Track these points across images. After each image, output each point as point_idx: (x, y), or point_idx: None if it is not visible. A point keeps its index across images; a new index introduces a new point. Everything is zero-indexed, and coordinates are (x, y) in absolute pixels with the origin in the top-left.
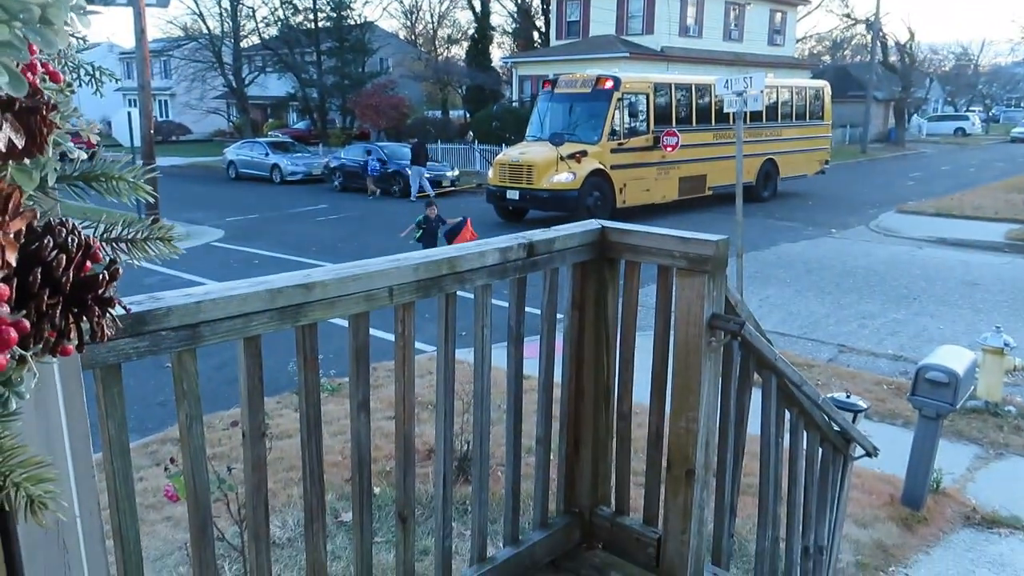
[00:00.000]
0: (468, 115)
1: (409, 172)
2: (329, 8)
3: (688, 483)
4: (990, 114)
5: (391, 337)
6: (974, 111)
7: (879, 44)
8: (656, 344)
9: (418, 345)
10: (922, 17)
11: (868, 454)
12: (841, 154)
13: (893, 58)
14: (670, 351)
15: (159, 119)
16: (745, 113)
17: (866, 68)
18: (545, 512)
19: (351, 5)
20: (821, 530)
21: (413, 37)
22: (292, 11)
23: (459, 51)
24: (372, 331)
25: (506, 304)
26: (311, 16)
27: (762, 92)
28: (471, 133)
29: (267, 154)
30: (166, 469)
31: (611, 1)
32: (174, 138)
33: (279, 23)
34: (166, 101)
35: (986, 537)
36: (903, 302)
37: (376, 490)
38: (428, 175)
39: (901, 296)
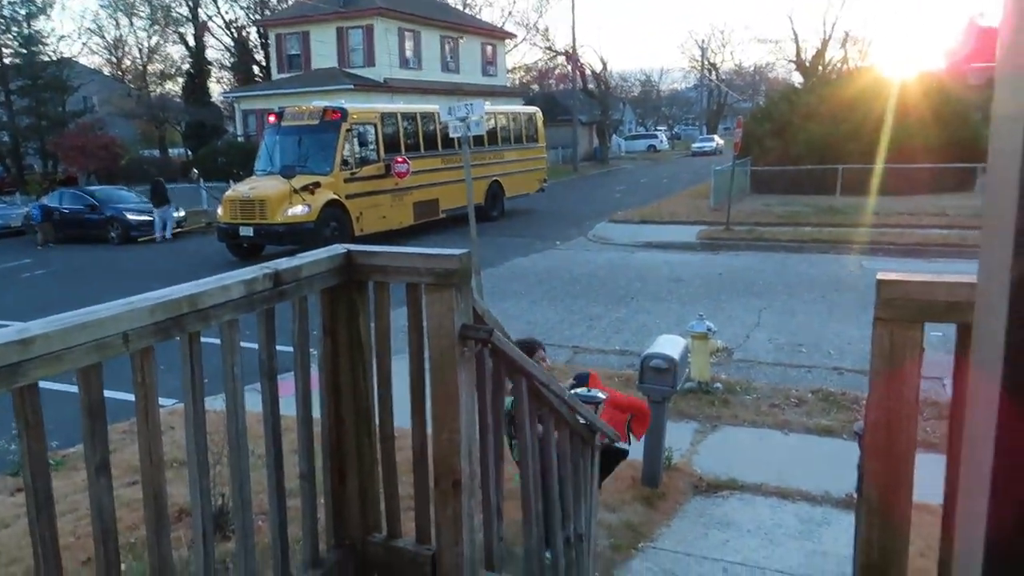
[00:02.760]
0: (190, 153)
1: (155, 215)
2: (17, 44)
3: (456, 494)
4: (674, 132)
5: (117, 396)
6: (661, 130)
7: (578, 73)
8: (412, 361)
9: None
10: (611, 48)
11: (611, 441)
12: (556, 173)
13: (591, 85)
14: (426, 366)
15: None
16: (469, 138)
17: (570, 95)
18: (316, 551)
19: (43, 40)
20: (579, 519)
21: (120, 73)
22: None
23: (174, 87)
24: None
25: (256, 346)
26: None
27: (482, 118)
28: (195, 171)
29: None
30: None
31: (331, 35)
32: None
33: None
34: None
35: (713, 501)
36: (623, 302)
37: (122, 566)
38: (150, 218)
39: (621, 297)
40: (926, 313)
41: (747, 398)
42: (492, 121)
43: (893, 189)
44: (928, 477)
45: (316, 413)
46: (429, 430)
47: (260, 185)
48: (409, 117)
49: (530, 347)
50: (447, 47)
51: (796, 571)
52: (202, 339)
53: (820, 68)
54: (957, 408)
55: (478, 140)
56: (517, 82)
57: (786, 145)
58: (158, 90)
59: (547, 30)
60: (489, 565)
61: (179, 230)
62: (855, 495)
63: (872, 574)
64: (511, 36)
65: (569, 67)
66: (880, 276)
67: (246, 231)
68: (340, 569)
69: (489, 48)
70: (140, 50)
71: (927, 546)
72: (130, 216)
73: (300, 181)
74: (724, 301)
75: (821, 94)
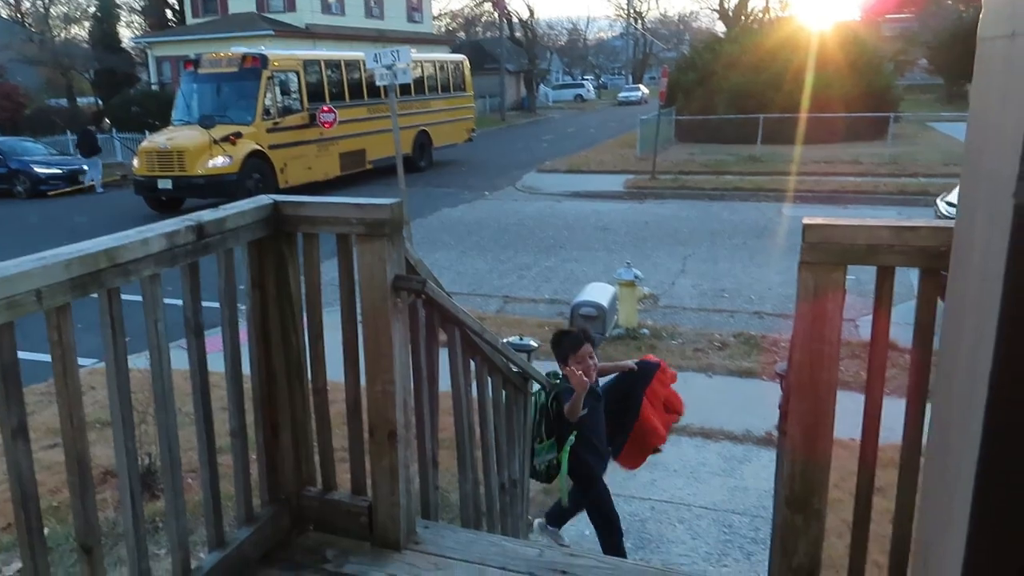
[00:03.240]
0: (101, 102)
1: (86, 167)
2: None
3: (391, 445)
4: (600, 82)
5: (34, 356)
6: (588, 79)
7: (505, 21)
8: (344, 313)
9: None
10: None
11: (544, 388)
12: (484, 123)
13: (518, 33)
14: (358, 318)
15: None
16: (396, 87)
17: (497, 43)
18: (250, 507)
19: None
20: (513, 465)
21: (20, 16)
22: None
23: (80, 31)
24: None
25: (181, 302)
26: None
27: (409, 65)
28: (107, 121)
29: None
30: None
31: None
32: None
33: None
34: None
35: None
36: (552, 251)
37: (44, 530)
38: (60, 171)
39: (549, 246)
40: (848, 256)
41: (673, 343)
42: (419, 69)
43: (811, 138)
44: (839, 414)
45: (246, 369)
46: (363, 382)
47: (178, 136)
48: (333, 65)
49: (578, 340)
50: None
51: (720, 506)
52: (123, 296)
53: (743, 17)
54: (876, 347)
55: (404, 89)
56: (443, 29)
57: (709, 94)
58: (63, 35)
59: None
60: (425, 513)
61: (91, 183)
62: (775, 433)
63: (795, 505)
64: None
65: (496, 14)
66: (806, 221)
67: (164, 184)
68: (275, 523)
69: None
70: None
71: (840, 478)
72: (37, 169)
73: (220, 131)
74: (650, 249)
75: (743, 44)
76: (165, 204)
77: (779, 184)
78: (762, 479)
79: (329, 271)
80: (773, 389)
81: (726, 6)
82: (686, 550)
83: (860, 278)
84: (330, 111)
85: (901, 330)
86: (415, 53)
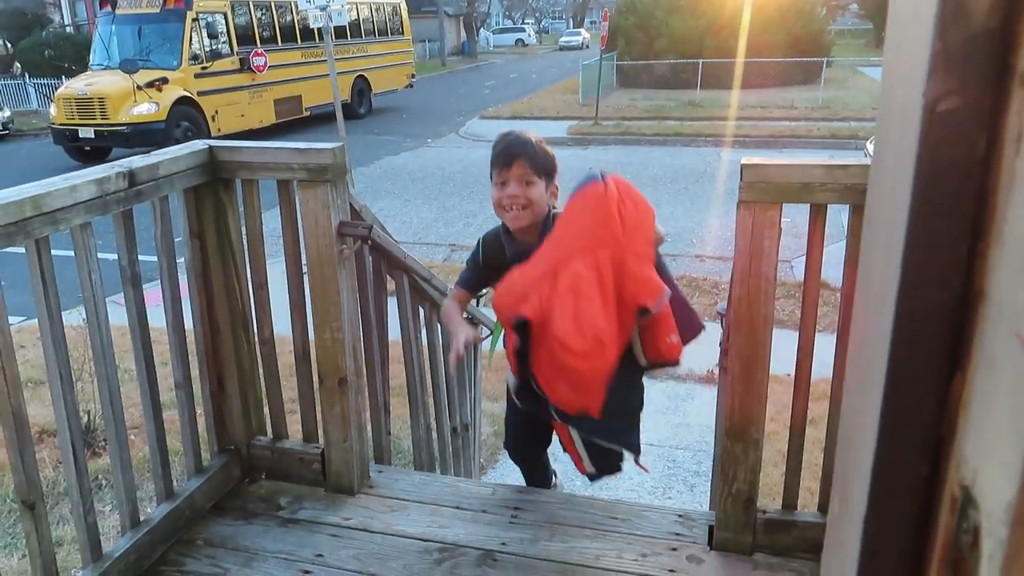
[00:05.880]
0: (9, 45)
1: None
2: None
3: (342, 392)
4: (541, 26)
5: None
6: (529, 24)
7: None
8: (288, 261)
9: None
10: None
11: (492, 333)
12: (424, 68)
13: None
14: (303, 266)
15: None
16: (331, 29)
17: None
18: (198, 458)
19: None
20: (464, 409)
21: None
22: None
23: None
24: None
25: (115, 256)
26: None
27: (344, 6)
28: (18, 65)
29: None
30: None
31: None
32: None
33: None
34: None
35: None
36: None
37: None
38: None
39: None
40: (784, 194)
41: None
42: (354, 11)
43: (747, 83)
44: (775, 351)
45: (188, 323)
46: (311, 330)
47: (98, 81)
48: (263, 6)
49: (508, 153)
50: None
51: (664, 443)
52: (53, 252)
53: None
54: (810, 277)
55: (340, 32)
56: None
57: (650, 39)
58: None
59: None
60: (378, 458)
61: (5, 133)
62: (716, 371)
63: (736, 436)
64: None
65: None
66: (744, 161)
67: (86, 133)
68: (225, 473)
69: None
70: None
71: (776, 412)
72: None
73: (144, 76)
74: None
75: None
76: (89, 155)
77: (718, 129)
78: (704, 415)
79: (272, 220)
80: (714, 329)
81: None
82: (633, 485)
83: (795, 220)
84: (261, 54)
85: (832, 269)
86: None
